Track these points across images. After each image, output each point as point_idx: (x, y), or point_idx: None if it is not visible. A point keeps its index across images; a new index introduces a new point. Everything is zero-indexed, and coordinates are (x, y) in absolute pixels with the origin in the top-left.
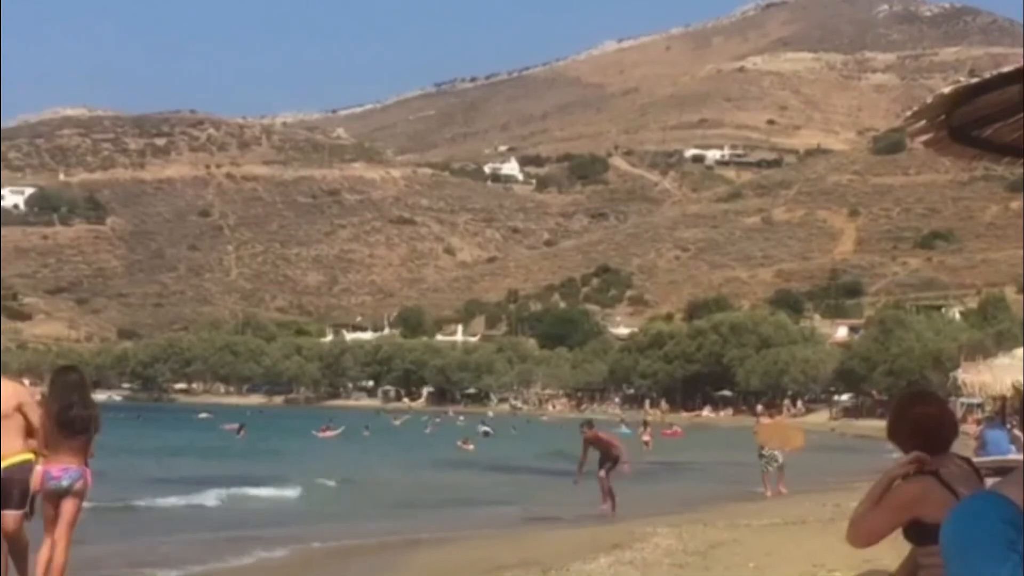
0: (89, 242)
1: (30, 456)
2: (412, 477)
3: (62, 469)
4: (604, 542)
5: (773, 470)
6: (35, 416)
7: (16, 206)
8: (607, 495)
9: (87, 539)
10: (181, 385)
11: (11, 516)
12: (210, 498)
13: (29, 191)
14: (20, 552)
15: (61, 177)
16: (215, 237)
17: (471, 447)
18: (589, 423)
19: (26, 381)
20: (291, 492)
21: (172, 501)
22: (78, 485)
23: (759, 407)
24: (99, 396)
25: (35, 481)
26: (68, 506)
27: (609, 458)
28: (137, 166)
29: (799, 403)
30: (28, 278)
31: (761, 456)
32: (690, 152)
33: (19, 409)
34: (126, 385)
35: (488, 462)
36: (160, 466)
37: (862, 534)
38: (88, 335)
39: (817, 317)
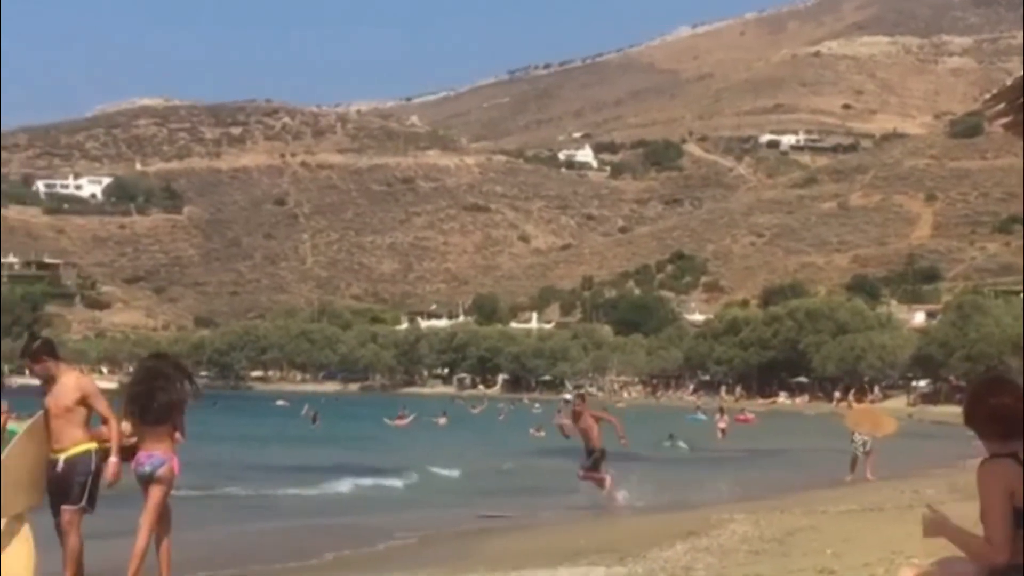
0: (166, 231)
1: (91, 446)
2: (498, 463)
3: (147, 456)
4: (680, 529)
5: (861, 456)
6: (102, 406)
7: (94, 196)
8: (600, 481)
9: (236, 522)
10: (257, 373)
11: (67, 511)
12: (344, 486)
13: (107, 181)
14: (76, 550)
15: (138, 167)
16: (290, 225)
17: (542, 434)
18: (581, 396)
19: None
20: (406, 480)
21: (307, 491)
22: (161, 471)
23: (837, 393)
24: None
25: (109, 472)
26: (152, 492)
27: (589, 450)
28: (213, 155)
29: (876, 389)
30: (106, 267)
31: (852, 441)
32: (765, 137)
33: (83, 401)
34: (203, 373)
35: (562, 449)
36: (263, 455)
37: (999, 542)
38: (165, 323)
39: (894, 303)
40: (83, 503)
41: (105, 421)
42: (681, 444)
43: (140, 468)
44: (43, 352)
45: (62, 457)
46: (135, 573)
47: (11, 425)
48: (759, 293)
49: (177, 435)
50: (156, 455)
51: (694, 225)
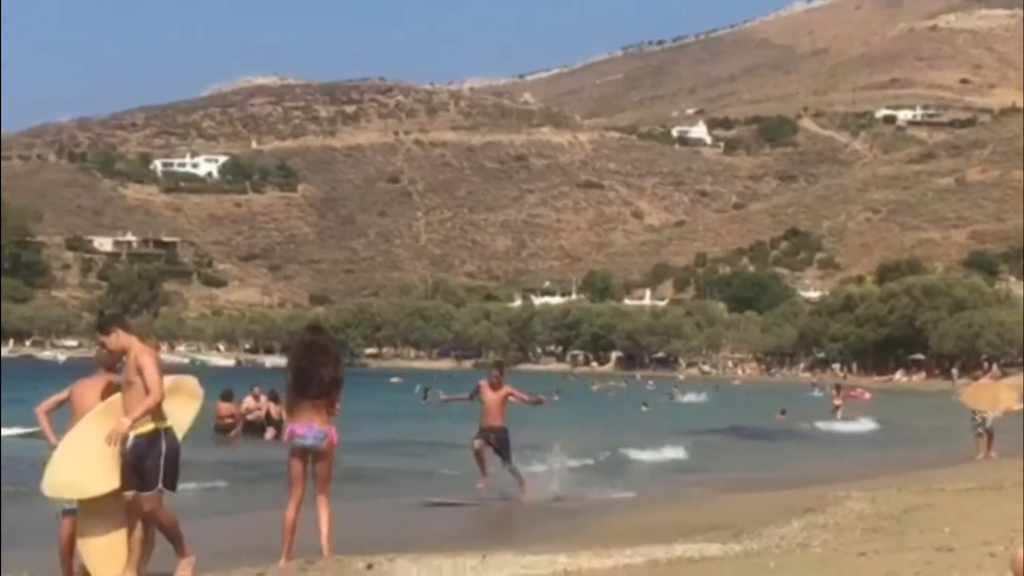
0: (281, 209)
1: (158, 425)
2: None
3: (305, 427)
4: (796, 506)
5: (981, 432)
6: (148, 375)
7: (210, 174)
8: (484, 469)
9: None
10: (371, 350)
11: (145, 499)
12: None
13: (222, 159)
14: (170, 531)
15: (253, 145)
16: (404, 203)
17: (650, 408)
18: (498, 364)
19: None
20: (674, 453)
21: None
22: (323, 445)
23: (954, 371)
24: None
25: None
26: (321, 465)
27: (492, 427)
28: (327, 133)
29: (994, 366)
30: (222, 245)
31: (973, 418)
32: (881, 113)
33: (140, 373)
34: None
35: (678, 426)
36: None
37: None
38: (281, 301)
39: (1012, 279)
40: (159, 486)
41: (146, 392)
42: (802, 422)
43: (300, 439)
44: (113, 323)
45: (132, 434)
46: (328, 538)
47: None
48: (875, 270)
49: (336, 408)
50: (315, 427)
51: (809, 201)
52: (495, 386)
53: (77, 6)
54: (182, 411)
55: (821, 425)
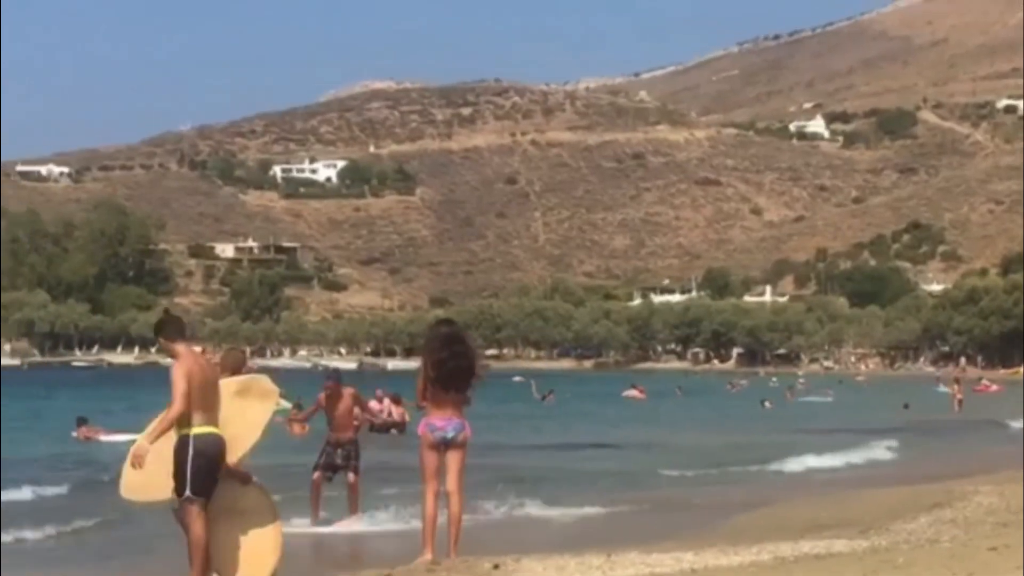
0: (399, 212)
1: (188, 431)
2: (726, 437)
3: (445, 420)
4: (924, 501)
5: None
6: (175, 393)
7: (329, 179)
8: (353, 504)
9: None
10: (492, 351)
11: (179, 503)
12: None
13: (341, 164)
14: (193, 544)
15: (371, 149)
16: (522, 204)
17: (771, 406)
18: (335, 373)
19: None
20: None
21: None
22: (461, 437)
23: None
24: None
25: (231, 458)
26: (456, 457)
27: (338, 442)
28: (444, 136)
29: None
30: (342, 249)
31: None
32: (1003, 103)
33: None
34: None
35: (804, 424)
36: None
37: None
38: (401, 304)
39: None
40: (187, 493)
41: (207, 405)
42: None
43: (440, 432)
44: (157, 332)
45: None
46: (456, 538)
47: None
48: (998, 261)
49: (470, 400)
50: (455, 420)
51: (930, 194)
52: (333, 397)
53: (194, 17)
54: (253, 411)
55: (944, 418)
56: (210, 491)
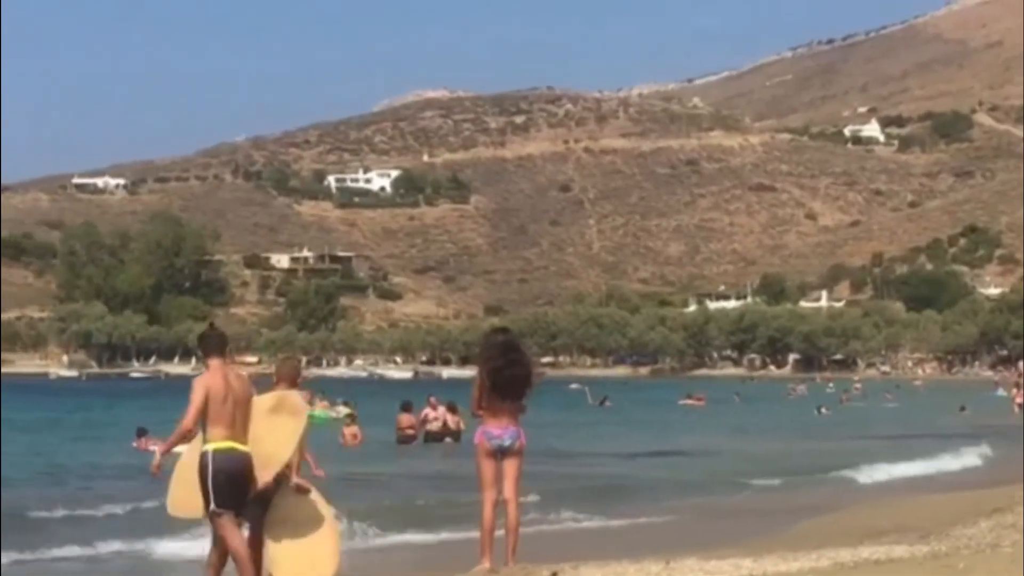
0: (454, 221)
1: (206, 446)
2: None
3: (502, 428)
4: (984, 506)
5: None
6: (189, 407)
7: (383, 188)
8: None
9: None
10: (548, 359)
11: (215, 520)
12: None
13: (395, 173)
14: (233, 554)
15: (425, 158)
16: (576, 211)
17: (828, 412)
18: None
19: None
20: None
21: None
22: (518, 445)
23: None
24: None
25: (265, 475)
26: (513, 465)
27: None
28: (498, 144)
29: None
30: (397, 258)
31: None
32: None
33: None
34: None
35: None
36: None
37: None
38: (456, 312)
39: None
40: (212, 507)
41: (231, 421)
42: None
43: (497, 440)
44: (199, 343)
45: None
46: (514, 546)
47: (319, 411)
48: None
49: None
50: (511, 428)
51: (986, 197)
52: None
53: (249, 29)
54: (283, 428)
55: (1003, 423)
56: (238, 504)
